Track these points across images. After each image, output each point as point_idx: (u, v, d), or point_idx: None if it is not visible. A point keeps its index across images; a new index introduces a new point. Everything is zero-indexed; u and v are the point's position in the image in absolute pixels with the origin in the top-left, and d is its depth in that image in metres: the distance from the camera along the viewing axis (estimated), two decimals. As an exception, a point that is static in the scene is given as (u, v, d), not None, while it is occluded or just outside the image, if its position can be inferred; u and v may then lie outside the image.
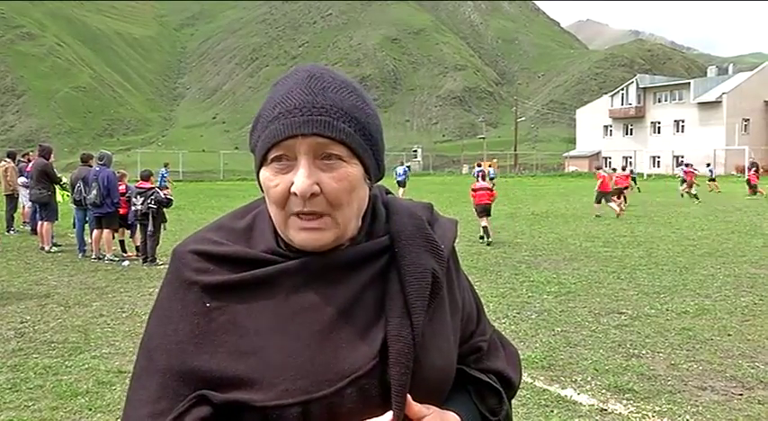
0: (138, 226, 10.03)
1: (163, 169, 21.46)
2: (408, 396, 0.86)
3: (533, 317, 6.29)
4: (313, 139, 0.84)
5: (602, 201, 17.36)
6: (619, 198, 18.27)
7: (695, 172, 25.33)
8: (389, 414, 0.83)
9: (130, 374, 0.92)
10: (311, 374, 0.82)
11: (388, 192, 1.03)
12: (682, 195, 24.29)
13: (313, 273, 0.88)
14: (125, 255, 10.48)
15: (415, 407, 0.86)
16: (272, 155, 0.86)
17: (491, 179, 24.09)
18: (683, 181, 24.76)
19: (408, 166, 32.27)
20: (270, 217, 0.92)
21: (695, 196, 22.30)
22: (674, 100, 61.66)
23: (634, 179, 28.82)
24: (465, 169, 58.97)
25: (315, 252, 0.88)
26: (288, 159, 0.85)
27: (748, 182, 26.47)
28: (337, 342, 0.85)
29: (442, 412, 0.90)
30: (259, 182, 0.89)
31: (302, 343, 0.84)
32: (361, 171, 0.88)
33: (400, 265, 0.90)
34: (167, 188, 15.67)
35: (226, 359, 0.84)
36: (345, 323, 0.86)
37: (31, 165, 11.96)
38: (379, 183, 0.98)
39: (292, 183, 0.84)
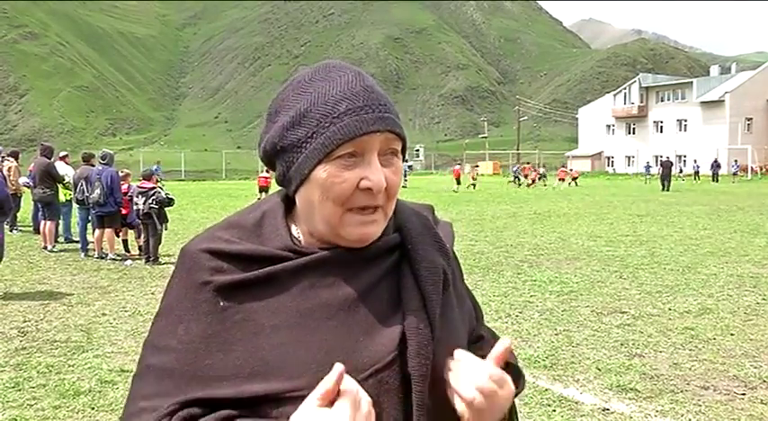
0: (141, 225, 10.05)
1: (155, 166, 21.59)
2: (492, 362, 0.88)
3: (536, 316, 6.28)
4: (385, 136, 0.87)
5: None
6: None
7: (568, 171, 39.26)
8: None
9: (133, 373, 0.91)
10: (331, 367, 0.82)
11: None
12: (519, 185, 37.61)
13: (328, 269, 0.88)
14: (128, 254, 10.50)
15: (495, 377, 0.87)
16: (342, 151, 0.85)
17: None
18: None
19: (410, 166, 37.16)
20: (282, 214, 0.93)
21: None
22: (677, 99, 61.56)
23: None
24: (467, 169, 59.04)
25: (324, 249, 0.89)
26: (356, 155, 0.86)
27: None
28: (356, 335, 0.86)
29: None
30: (298, 179, 0.87)
31: (320, 337, 0.84)
32: None
33: (414, 261, 0.92)
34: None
35: (241, 356, 0.83)
36: (363, 317, 0.87)
37: (33, 164, 11.97)
38: None
39: (360, 179, 0.85)
